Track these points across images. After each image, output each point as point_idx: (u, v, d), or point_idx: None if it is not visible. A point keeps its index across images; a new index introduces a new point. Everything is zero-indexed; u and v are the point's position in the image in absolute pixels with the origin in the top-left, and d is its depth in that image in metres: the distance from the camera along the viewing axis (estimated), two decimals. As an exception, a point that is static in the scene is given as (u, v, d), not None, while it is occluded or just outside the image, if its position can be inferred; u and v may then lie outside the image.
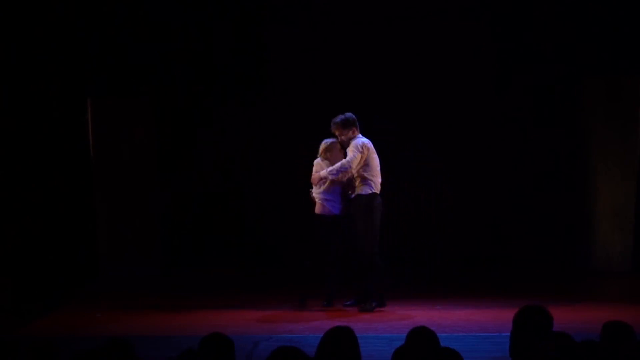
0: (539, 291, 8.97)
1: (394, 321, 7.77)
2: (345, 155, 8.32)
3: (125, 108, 10.46)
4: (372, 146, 8.38)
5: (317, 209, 8.34)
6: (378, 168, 8.37)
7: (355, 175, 8.27)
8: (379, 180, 8.37)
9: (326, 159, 8.43)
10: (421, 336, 4.39)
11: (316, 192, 8.38)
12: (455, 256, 10.85)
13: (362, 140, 8.34)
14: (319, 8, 10.63)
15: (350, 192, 8.37)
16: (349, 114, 8.45)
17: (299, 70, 10.63)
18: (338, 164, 8.26)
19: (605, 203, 10.37)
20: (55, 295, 9.16)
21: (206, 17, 10.61)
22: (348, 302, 8.40)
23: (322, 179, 8.30)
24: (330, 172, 8.25)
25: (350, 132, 8.36)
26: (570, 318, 7.60)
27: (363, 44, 10.61)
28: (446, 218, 10.90)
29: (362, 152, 8.23)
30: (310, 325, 7.57)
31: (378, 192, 8.34)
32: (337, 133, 8.42)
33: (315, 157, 8.52)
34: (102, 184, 10.42)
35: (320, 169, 8.39)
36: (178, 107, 10.73)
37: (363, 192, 8.26)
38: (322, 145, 8.50)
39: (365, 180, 8.26)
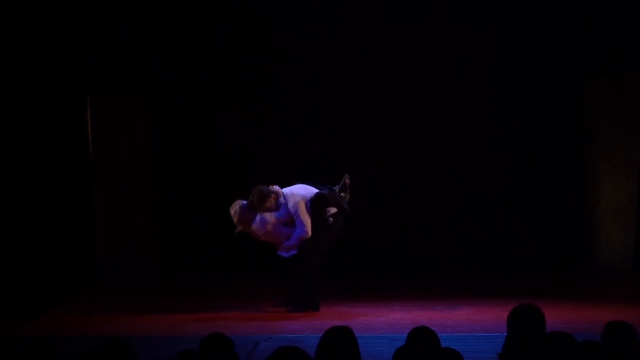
0: (541, 291, 8.94)
1: (395, 321, 7.73)
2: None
3: (124, 106, 10.44)
4: (306, 193, 8.13)
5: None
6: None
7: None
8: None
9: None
10: (422, 336, 4.36)
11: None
12: (456, 256, 10.82)
13: (295, 200, 8.07)
14: (319, 8, 10.61)
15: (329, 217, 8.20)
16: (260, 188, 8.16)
17: (299, 69, 10.60)
18: (296, 237, 8.05)
19: (609, 202, 10.34)
20: (53, 295, 9.13)
21: (206, 16, 10.59)
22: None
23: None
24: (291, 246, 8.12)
25: (269, 202, 8.10)
26: (572, 318, 7.58)
27: (363, 42, 10.59)
28: (448, 218, 10.86)
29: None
30: (310, 325, 7.53)
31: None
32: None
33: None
34: (101, 183, 10.39)
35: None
36: (178, 106, 10.71)
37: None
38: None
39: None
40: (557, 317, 7.38)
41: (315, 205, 8.06)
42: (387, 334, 7.13)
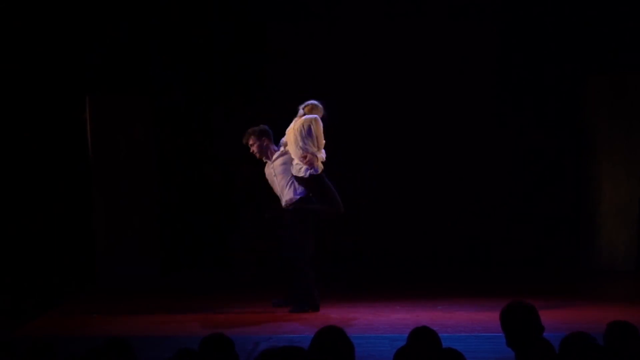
0: (542, 291, 8.92)
1: (396, 321, 7.72)
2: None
3: (124, 106, 10.42)
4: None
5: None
6: None
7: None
8: None
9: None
10: (423, 336, 4.35)
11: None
12: (456, 256, 10.81)
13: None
14: (319, 8, 10.60)
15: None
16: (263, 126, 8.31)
17: (299, 70, 10.58)
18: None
19: (610, 202, 10.33)
20: (53, 295, 9.12)
21: (206, 15, 10.58)
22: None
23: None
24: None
25: (265, 142, 8.25)
26: (574, 318, 7.58)
27: (363, 42, 10.59)
28: (448, 218, 10.85)
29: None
30: (311, 325, 7.51)
31: None
32: (250, 142, 8.31)
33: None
34: (100, 183, 10.37)
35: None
36: (178, 106, 10.70)
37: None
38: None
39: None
40: (557, 317, 7.38)
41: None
42: (387, 334, 7.11)
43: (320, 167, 8.10)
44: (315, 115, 8.07)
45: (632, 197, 10.25)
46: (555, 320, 7.09)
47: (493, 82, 10.76)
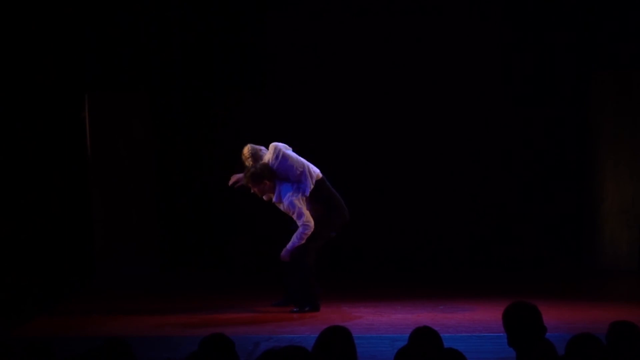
0: (544, 290, 8.90)
1: (397, 321, 7.70)
2: None
3: (123, 103, 10.40)
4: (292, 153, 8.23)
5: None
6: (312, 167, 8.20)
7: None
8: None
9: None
10: (424, 336, 4.34)
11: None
12: (457, 256, 10.78)
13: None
14: (320, 5, 10.58)
15: None
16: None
17: (300, 65, 10.56)
18: (297, 234, 8.01)
19: (614, 201, 10.28)
20: (52, 295, 9.10)
21: (205, 10, 10.56)
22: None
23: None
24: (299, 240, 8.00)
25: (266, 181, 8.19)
26: (576, 317, 7.56)
27: (364, 41, 10.56)
28: (448, 218, 10.82)
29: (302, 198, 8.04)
30: (311, 326, 7.49)
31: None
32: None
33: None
34: (99, 181, 10.34)
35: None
36: (177, 103, 10.67)
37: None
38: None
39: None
40: (559, 317, 7.36)
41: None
42: (388, 334, 7.10)
43: (310, 183, 8.07)
44: (266, 160, 8.19)
45: (635, 196, 10.20)
46: (558, 320, 7.08)
47: (494, 82, 10.72)
